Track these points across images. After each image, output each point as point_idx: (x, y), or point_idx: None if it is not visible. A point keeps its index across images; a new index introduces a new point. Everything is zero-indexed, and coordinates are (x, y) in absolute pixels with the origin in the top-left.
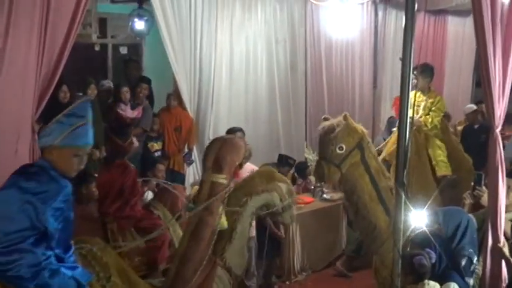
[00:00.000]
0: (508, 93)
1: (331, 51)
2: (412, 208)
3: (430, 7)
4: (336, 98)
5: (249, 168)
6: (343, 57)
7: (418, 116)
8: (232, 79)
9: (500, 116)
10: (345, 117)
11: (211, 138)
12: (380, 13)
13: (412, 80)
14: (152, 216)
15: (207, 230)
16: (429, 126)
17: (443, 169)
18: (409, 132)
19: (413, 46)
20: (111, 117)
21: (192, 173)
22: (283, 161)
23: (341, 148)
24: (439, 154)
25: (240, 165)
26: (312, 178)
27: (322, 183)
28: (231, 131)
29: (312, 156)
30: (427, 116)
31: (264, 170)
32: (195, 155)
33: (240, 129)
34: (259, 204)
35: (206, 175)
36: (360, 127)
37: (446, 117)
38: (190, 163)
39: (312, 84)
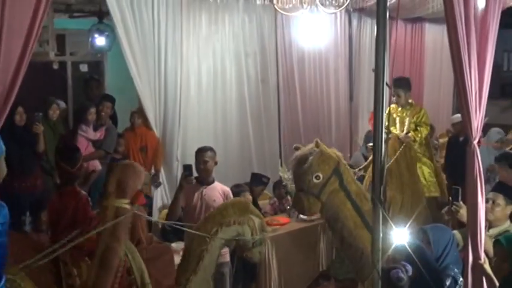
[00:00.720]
0: (485, 104)
1: (304, 64)
2: (393, 225)
3: (405, 15)
4: (310, 113)
5: (219, 188)
6: (317, 70)
7: (405, 132)
8: (200, 95)
9: (477, 127)
10: (317, 144)
11: (180, 158)
12: (354, 22)
13: (390, 95)
14: None
15: (115, 258)
16: (418, 142)
17: (433, 190)
18: (385, 146)
19: (386, 56)
20: (75, 140)
21: (160, 196)
22: (256, 180)
23: (318, 177)
24: (429, 174)
25: (140, 191)
26: (289, 197)
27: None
28: (201, 150)
29: (287, 175)
30: (416, 132)
31: (239, 201)
32: (163, 176)
33: (211, 148)
34: (229, 236)
35: (109, 201)
36: (333, 152)
37: (431, 129)
38: (157, 186)
39: (285, 99)
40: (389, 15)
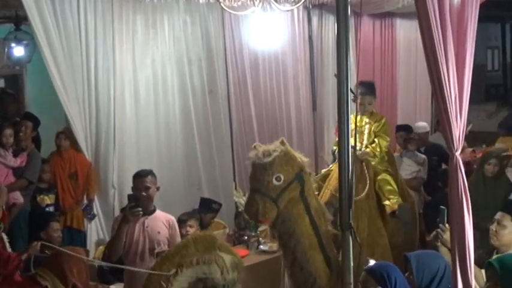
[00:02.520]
0: (467, 108)
1: (258, 70)
2: (363, 256)
3: (373, 10)
4: (267, 126)
5: (162, 217)
6: (273, 76)
7: (364, 145)
8: (137, 110)
9: (459, 136)
10: (283, 143)
11: (116, 185)
12: (314, 20)
13: (357, 102)
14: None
15: None
16: (379, 156)
17: (393, 202)
18: (352, 162)
19: (350, 59)
20: None
21: (95, 229)
22: (206, 206)
23: (279, 179)
24: (388, 190)
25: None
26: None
27: (257, 223)
28: (140, 175)
29: (242, 200)
30: (373, 145)
31: (203, 236)
32: (97, 207)
33: (150, 172)
34: (193, 278)
35: None
36: (299, 155)
37: (414, 141)
38: (91, 218)
39: (237, 111)
40: (353, 11)
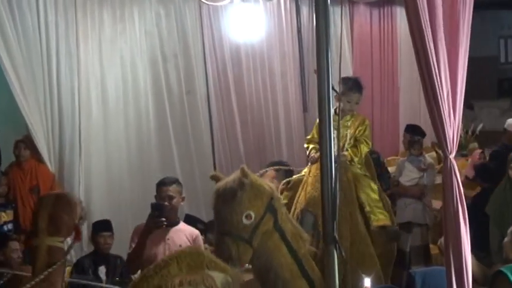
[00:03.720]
0: (462, 107)
1: (241, 67)
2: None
3: None
4: (253, 130)
5: (187, 230)
6: (259, 74)
7: (344, 149)
8: (106, 116)
9: (453, 138)
10: (244, 173)
11: (84, 199)
12: (304, 11)
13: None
14: None
15: None
16: (356, 162)
17: (381, 217)
18: (335, 171)
19: (330, 51)
20: None
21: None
22: (191, 225)
23: (249, 217)
24: (374, 199)
25: (76, 227)
26: None
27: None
28: (164, 183)
29: None
30: (354, 149)
31: (188, 252)
32: None
33: (176, 181)
34: None
35: (40, 239)
36: (265, 183)
37: (417, 144)
38: None
39: (219, 114)
40: None
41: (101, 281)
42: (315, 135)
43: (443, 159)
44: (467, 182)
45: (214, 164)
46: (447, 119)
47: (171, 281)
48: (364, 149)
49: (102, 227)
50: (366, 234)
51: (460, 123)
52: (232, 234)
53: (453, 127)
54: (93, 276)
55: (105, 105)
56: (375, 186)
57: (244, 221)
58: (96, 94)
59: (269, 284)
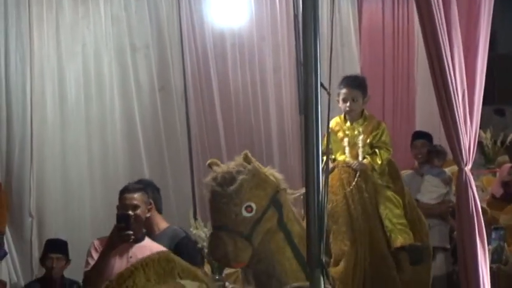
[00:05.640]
0: (479, 112)
1: (226, 61)
2: None
3: None
4: (239, 136)
5: (152, 247)
6: (246, 69)
7: (361, 157)
8: (63, 114)
9: (469, 146)
10: (247, 158)
11: (35, 213)
12: None
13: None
14: None
15: None
16: (378, 170)
17: (404, 236)
18: (324, 184)
19: (318, 41)
20: None
21: (6, 272)
22: None
23: (249, 209)
24: (397, 214)
25: None
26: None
27: (225, 269)
28: (127, 189)
29: (203, 232)
30: (373, 156)
31: (155, 260)
32: (9, 242)
33: (142, 188)
34: None
35: None
36: (270, 172)
37: (442, 154)
38: (1, 256)
39: (198, 115)
40: None
41: None
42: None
43: (458, 171)
44: (493, 201)
45: (192, 175)
46: (462, 125)
47: None
48: (385, 155)
49: (52, 247)
50: (387, 255)
51: (478, 130)
52: (229, 229)
53: (469, 134)
54: None
55: (62, 102)
56: (399, 200)
57: (244, 213)
58: (52, 89)
59: None
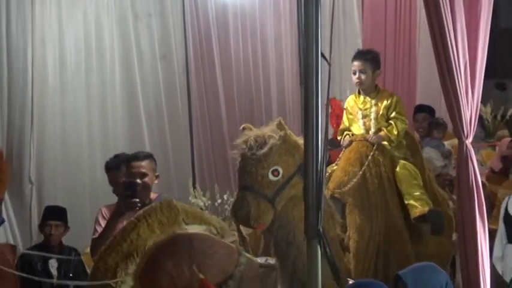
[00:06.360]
0: (481, 85)
1: (227, 30)
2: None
3: None
4: (239, 105)
5: None
6: (248, 38)
7: (373, 129)
8: (63, 81)
9: (470, 119)
10: (280, 125)
11: (35, 179)
12: None
13: (358, 74)
14: None
15: None
16: (395, 142)
17: (422, 204)
18: (323, 160)
19: (320, 17)
20: None
21: (4, 239)
22: None
23: (276, 173)
24: (414, 184)
25: None
26: None
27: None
28: (136, 157)
29: (201, 200)
30: (389, 128)
31: (157, 209)
32: (8, 208)
33: (149, 155)
34: None
35: None
36: (302, 141)
37: (442, 126)
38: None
39: (199, 84)
40: None
41: (51, 276)
42: (346, 124)
43: (459, 142)
44: (492, 176)
45: (192, 145)
46: (464, 97)
47: (143, 245)
48: (401, 126)
49: (51, 214)
50: (402, 230)
51: (479, 103)
52: (254, 190)
53: (471, 107)
54: (42, 271)
55: (62, 68)
56: (417, 172)
57: (270, 176)
58: (52, 56)
59: (288, 261)
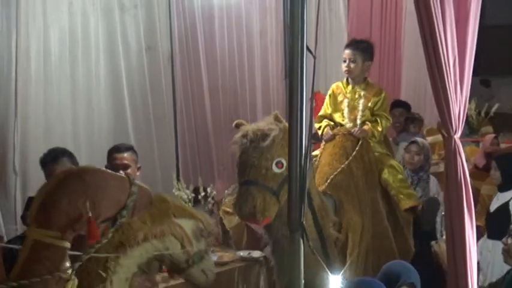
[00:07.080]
0: (470, 80)
1: (212, 22)
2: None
3: None
4: (224, 98)
5: None
6: (233, 31)
7: (359, 122)
8: (48, 73)
9: (459, 114)
10: (277, 118)
11: (19, 170)
12: None
13: (347, 62)
14: None
15: None
16: (377, 137)
17: (412, 198)
18: (307, 153)
19: (305, 10)
20: None
21: None
22: None
23: (280, 165)
24: (400, 179)
25: (90, 221)
26: None
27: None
28: (117, 148)
29: (185, 193)
30: (374, 124)
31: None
32: None
33: (130, 148)
34: (143, 259)
35: (28, 230)
36: None
37: (419, 121)
38: None
39: (184, 76)
40: None
41: None
42: (327, 110)
43: (446, 139)
44: (476, 172)
45: (176, 136)
46: (452, 92)
47: (134, 236)
48: (386, 123)
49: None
50: (387, 227)
51: (468, 98)
52: (259, 183)
53: (459, 102)
54: None
55: (47, 60)
56: (401, 167)
57: (275, 168)
58: (36, 47)
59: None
